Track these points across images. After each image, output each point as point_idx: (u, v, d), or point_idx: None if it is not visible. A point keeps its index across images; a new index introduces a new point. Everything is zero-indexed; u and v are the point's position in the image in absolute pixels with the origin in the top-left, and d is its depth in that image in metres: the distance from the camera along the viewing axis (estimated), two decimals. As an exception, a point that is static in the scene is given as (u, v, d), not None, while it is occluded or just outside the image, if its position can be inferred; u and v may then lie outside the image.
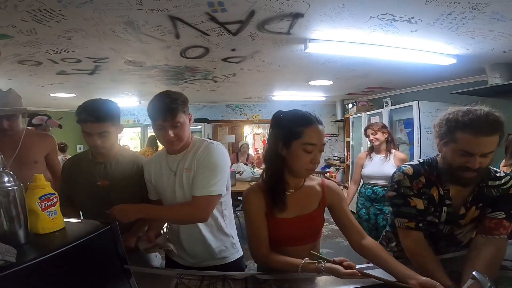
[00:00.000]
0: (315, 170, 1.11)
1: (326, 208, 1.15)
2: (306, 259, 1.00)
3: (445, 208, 1.11)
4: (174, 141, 1.18)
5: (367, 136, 2.76)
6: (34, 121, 2.39)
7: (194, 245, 1.27)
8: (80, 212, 1.45)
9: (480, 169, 0.97)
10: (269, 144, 1.11)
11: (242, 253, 1.36)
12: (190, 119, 1.24)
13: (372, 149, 2.77)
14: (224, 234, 1.28)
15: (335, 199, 1.14)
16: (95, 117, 1.25)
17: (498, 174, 1.09)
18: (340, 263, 0.93)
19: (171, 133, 1.16)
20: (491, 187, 1.07)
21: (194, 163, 1.20)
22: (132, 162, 1.42)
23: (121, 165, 1.39)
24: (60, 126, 2.75)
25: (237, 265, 1.31)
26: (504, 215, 1.02)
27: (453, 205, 1.10)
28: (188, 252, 1.28)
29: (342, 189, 1.17)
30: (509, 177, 1.09)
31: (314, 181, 1.17)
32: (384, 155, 2.65)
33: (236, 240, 1.35)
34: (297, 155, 1.02)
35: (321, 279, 1.02)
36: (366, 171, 2.75)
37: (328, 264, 0.94)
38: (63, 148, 4.24)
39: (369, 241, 1.08)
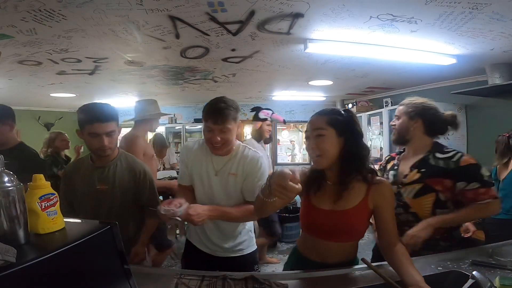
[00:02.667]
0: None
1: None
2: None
3: (392, 172, 1.49)
4: (219, 145, 1.26)
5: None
6: (260, 115, 2.42)
7: (218, 236, 1.37)
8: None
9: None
10: None
11: (256, 246, 1.47)
12: (238, 127, 1.32)
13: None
14: (245, 228, 1.42)
15: (379, 201, 1.08)
16: (104, 117, 1.29)
17: (447, 150, 1.36)
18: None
19: (218, 137, 1.24)
20: (438, 158, 1.34)
21: (242, 170, 1.31)
22: (130, 168, 1.43)
23: (119, 170, 1.41)
24: (284, 122, 3.19)
25: (253, 257, 1.44)
26: (479, 184, 1.25)
27: (400, 170, 1.45)
28: (213, 242, 1.37)
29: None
30: (455, 151, 1.34)
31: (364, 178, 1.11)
32: None
33: (253, 235, 1.48)
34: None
35: (321, 280, 1.02)
36: None
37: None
38: None
39: (398, 248, 1.03)
